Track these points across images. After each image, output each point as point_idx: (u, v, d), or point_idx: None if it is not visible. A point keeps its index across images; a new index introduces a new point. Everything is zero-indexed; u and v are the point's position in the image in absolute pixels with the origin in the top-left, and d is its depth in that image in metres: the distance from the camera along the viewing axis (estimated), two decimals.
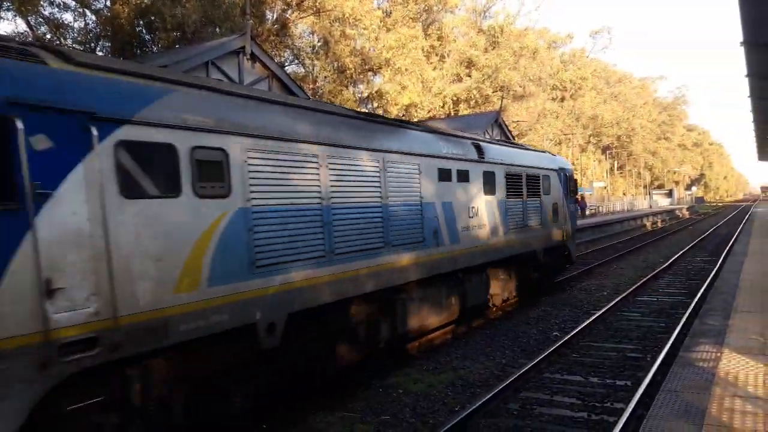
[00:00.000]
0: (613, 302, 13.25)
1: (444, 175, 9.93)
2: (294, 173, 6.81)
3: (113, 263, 4.86)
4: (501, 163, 12.12)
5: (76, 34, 25.50)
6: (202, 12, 23.25)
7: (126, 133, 5.04)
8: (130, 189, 5.04)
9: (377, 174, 8.31)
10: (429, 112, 35.52)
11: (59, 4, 24.60)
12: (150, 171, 5.23)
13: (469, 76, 40.79)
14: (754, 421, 5.09)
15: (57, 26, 24.47)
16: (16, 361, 4.25)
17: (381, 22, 33.06)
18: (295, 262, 6.70)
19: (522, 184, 13.01)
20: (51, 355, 4.44)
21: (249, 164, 6.18)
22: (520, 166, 13.01)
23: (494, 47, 43.98)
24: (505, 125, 34.32)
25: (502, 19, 46.76)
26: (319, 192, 7.15)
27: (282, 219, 6.57)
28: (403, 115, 34.03)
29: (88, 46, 25.26)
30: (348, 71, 32.83)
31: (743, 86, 16.31)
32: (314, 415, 7.21)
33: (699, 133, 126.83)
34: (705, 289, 13.51)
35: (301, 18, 30.39)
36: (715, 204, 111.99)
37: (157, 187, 5.28)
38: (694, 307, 11.78)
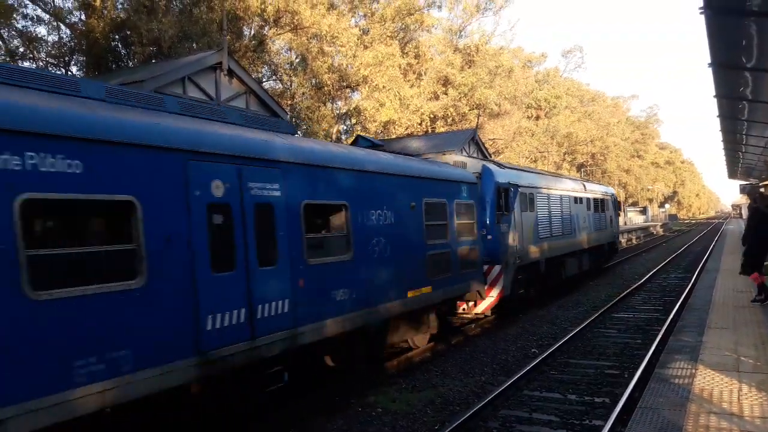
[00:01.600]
0: (591, 319, 13.36)
1: (575, 201, 20.11)
2: (542, 201, 16.72)
3: (521, 233, 15.03)
4: (590, 192, 22.68)
5: (50, 48, 25.15)
6: (178, 27, 23.07)
7: (521, 189, 15.34)
8: (522, 208, 15.24)
9: (560, 201, 18.45)
10: (407, 129, 35.62)
11: (33, 17, 24.28)
12: (522, 202, 15.31)
13: (446, 93, 41.04)
14: None
15: (30, 39, 24.07)
16: (510, 260, 14.24)
17: (358, 39, 33.16)
18: (543, 238, 16.39)
19: (599, 204, 23.35)
20: (519, 259, 14.88)
21: (537, 198, 16.26)
22: (596, 193, 23.68)
23: (470, 66, 44.40)
24: (482, 143, 34.41)
25: (477, 38, 47.23)
26: (547, 208, 17.04)
27: (538, 219, 16.23)
28: (382, 132, 34.06)
29: (61, 60, 24.94)
30: (326, 88, 32.85)
31: (713, 106, 16.69)
32: None
33: (671, 151, 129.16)
34: (679, 306, 13.69)
35: (278, 35, 30.40)
36: (688, 221, 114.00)
37: (523, 207, 15.32)
38: (669, 323, 11.92)
